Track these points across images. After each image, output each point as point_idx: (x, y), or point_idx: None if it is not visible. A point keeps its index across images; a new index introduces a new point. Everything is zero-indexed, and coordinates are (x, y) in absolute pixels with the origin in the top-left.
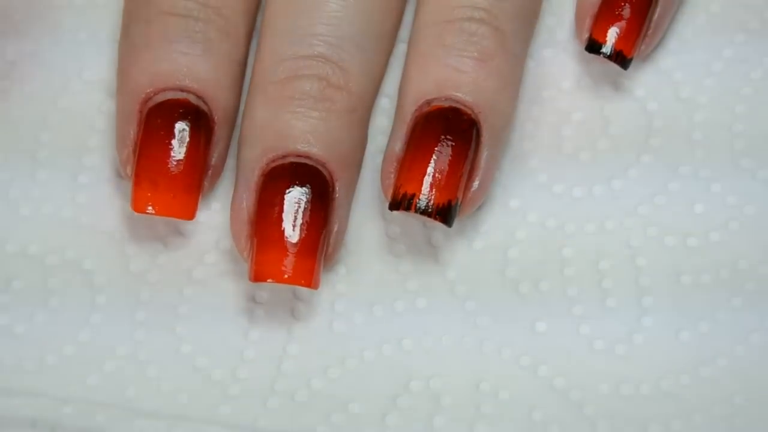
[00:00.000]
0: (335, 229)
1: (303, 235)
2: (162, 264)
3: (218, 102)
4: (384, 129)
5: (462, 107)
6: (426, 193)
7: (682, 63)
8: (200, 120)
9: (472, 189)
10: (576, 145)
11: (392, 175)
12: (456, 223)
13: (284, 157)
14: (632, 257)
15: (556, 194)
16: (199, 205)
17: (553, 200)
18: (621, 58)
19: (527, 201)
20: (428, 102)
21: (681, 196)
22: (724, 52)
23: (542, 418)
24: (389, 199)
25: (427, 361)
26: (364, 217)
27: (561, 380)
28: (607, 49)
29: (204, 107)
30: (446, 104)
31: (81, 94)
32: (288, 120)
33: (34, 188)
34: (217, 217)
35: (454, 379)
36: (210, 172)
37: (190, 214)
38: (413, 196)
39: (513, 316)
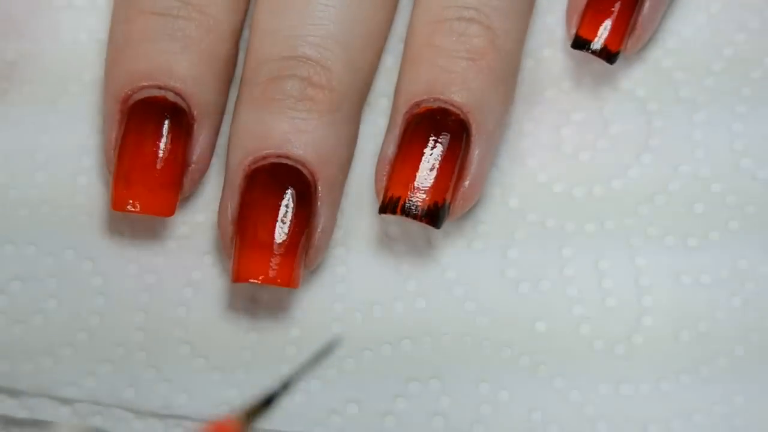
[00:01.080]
0: (319, 228)
1: (282, 236)
2: (161, 265)
3: (197, 98)
4: (384, 129)
5: (450, 107)
6: (412, 196)
7: (682, 63)
8: (178, 117)
9: (463, 189)
10: (576, 145)
11: (384, 178)
12: (455, 224)
13: (265, 158)
14: (632, 257)
15: (555, 194)
16: (198, 206)
17: (553, 200)
18: (606, 53)
19: (527, 201)
20: (418, 104)
21: (681, 195)
22: (724, 52)
23: (542, 418)
24: (379, 202)
25: (427, 361)
26: (364, 217)
27: (561, 380)
28: (593, 45)
29: (182, 104)
30: (434, 105)
31: (81, 95)
32: (269, 121)
33: (33, 189)
34: (215, 217)
35: (454, 380)
36: (192, 168)
37: (168, 211)
38: (399, 199)
39: (513, 316)
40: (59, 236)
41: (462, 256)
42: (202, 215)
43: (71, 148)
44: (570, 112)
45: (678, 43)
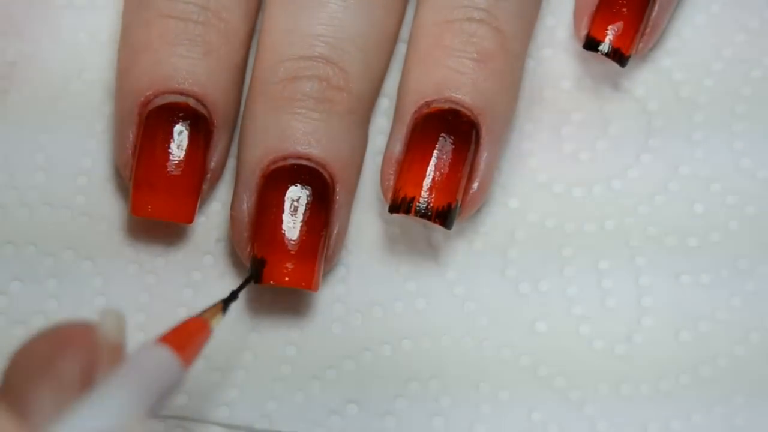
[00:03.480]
0: (335, 231)
1: (303, 238)
2: (161, 266)
3: (217, 105)
4: (384, 129)
5: (461, 109)
6: (425, 197)
7: (682, 63)
8: (199, 123)
9: (472, 191)
10: (576, 145)
11: (391, 177)
12: (455, 224)
13: (285, 158)
14: (632, 257)
15: (555, 194)
16: (198, 207)
17: (553, 200)
18: (619, 56)
19: (527, 201)
20: (428, 103)
21: (681, 195)
22: (724, 52)
23: (542, 418)
24: (389, 201)
25: (427, 361)
26: (364, 217)
27: (561, 380)
28: (605, 46)
29: (203, 111)
30: (445, 106)
31: (81, 95)
32: (288, 121)
33: (33, 189)
34: (216, 218)
35: (454, 380)
36: (209, 175)
37: (189, 218)
38: (413, 199)
39: (513, 316)
40: (59, 236)
41: (462, 256)
42: (202, 216)
43: (71, 148)
44: (570, 112)
45: (678, 43)
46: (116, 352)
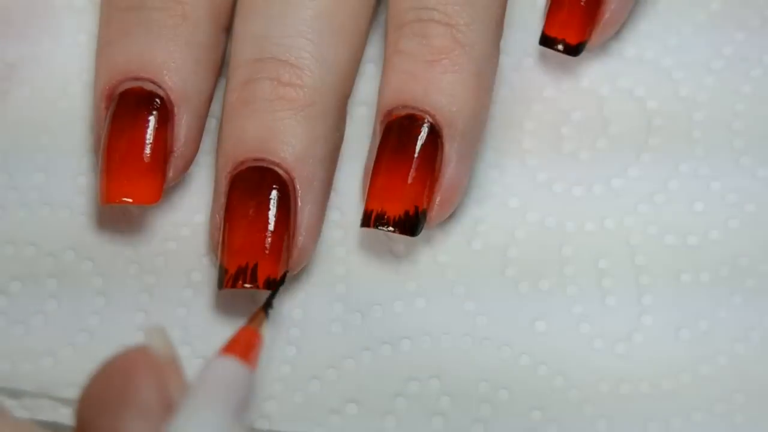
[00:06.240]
0: (302, 228)
1: (263, 239)
2: (160, 266)
3: (173, 85)
4: None
5: (416, 112)
6: (381, 207)
7: (681, 61)
8: (155, 105)
9: (440, 193)
10: (576, 145)
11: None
12: (455, 223)
13: (243, 163)
14: (632, 256)
15: (555, 193)
16: (198, 207)
17: (553, 199)
18: (566, 47)
19: (527, 200)
20: (389, 112)
21: (681, 194)
22: (724, 51)
23: (542, 418)
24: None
25: (426, 361)
26: None
27: (561, 380)
28: (557, 42)
29: (160, 92)
30: (403, 112)
31: (81, 96)
32: (243, 125)
33: (32, 190)
34: None
35: (453, 380)
36: (176, 154)
37: (152, 199)
38: (372, 211)
39: (512, 315)
40: (59, 236)
41: (462, 255)
42: (201, 216)
43: (71, 148)
44: (570, 112)
45: (678, 42)
46: (175, 366)
